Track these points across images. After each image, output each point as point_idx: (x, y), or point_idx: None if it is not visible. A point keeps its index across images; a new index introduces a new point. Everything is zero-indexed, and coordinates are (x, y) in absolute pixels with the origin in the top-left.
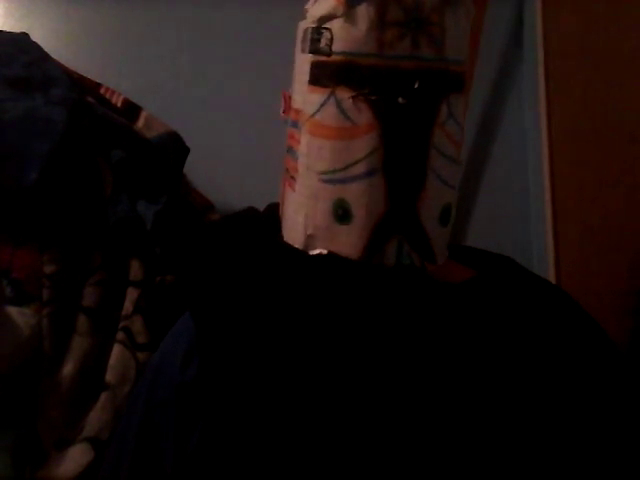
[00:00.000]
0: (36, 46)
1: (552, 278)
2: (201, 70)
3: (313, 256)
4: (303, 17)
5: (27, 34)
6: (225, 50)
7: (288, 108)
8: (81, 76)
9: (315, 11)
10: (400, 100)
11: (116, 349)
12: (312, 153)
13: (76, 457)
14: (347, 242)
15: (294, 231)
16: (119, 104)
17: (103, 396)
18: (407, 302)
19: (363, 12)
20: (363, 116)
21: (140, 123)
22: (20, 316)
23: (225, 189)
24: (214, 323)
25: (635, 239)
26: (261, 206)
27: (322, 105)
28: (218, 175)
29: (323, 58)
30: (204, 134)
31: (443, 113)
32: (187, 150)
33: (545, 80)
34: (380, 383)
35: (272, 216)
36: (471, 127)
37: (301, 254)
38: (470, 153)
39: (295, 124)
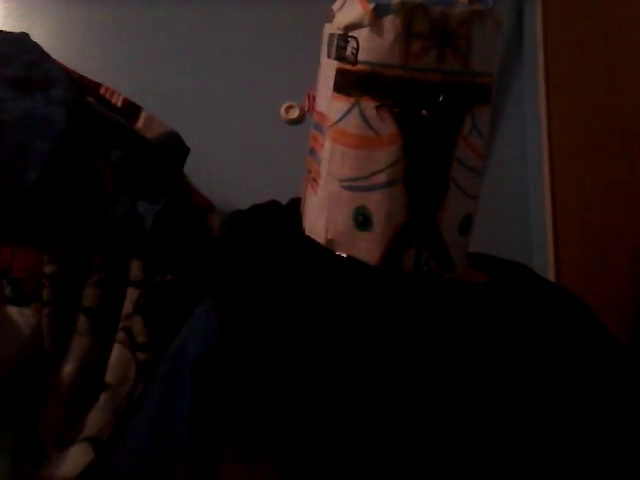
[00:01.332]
0: (36, 46)
1: (552, 278)
2: (201, 70)
3: (334, 256)
4: (329, 19)
5: (27, 34)
6: (225, 50)
7: (312, 109)
8: (81, 76)
9: (342, 18)
10: (424, 112)
11: (116, 349)
12: (334, 160)
13: (76, 457)
14: (366, 248)
15: (314, 233)
16: (119, 104)
17: (103, 396)
18: (423, 299)
19: (389, 23)
20: (386, 127)
21: (140, 123)
22: (20, 316)
23: (225, 189)
24: (236, 312)
25: (635, 239)
26: None
27: (346, 113)
28: (218, 175)
29: (348, 66)
30: (204, 134)
31: (467, 125)
32: (187, 150)
33: (545, 80)
34: (390, 376)
35: (295, 210)
36: None
37: (323, 251)
38: None
39: (319, 127)
